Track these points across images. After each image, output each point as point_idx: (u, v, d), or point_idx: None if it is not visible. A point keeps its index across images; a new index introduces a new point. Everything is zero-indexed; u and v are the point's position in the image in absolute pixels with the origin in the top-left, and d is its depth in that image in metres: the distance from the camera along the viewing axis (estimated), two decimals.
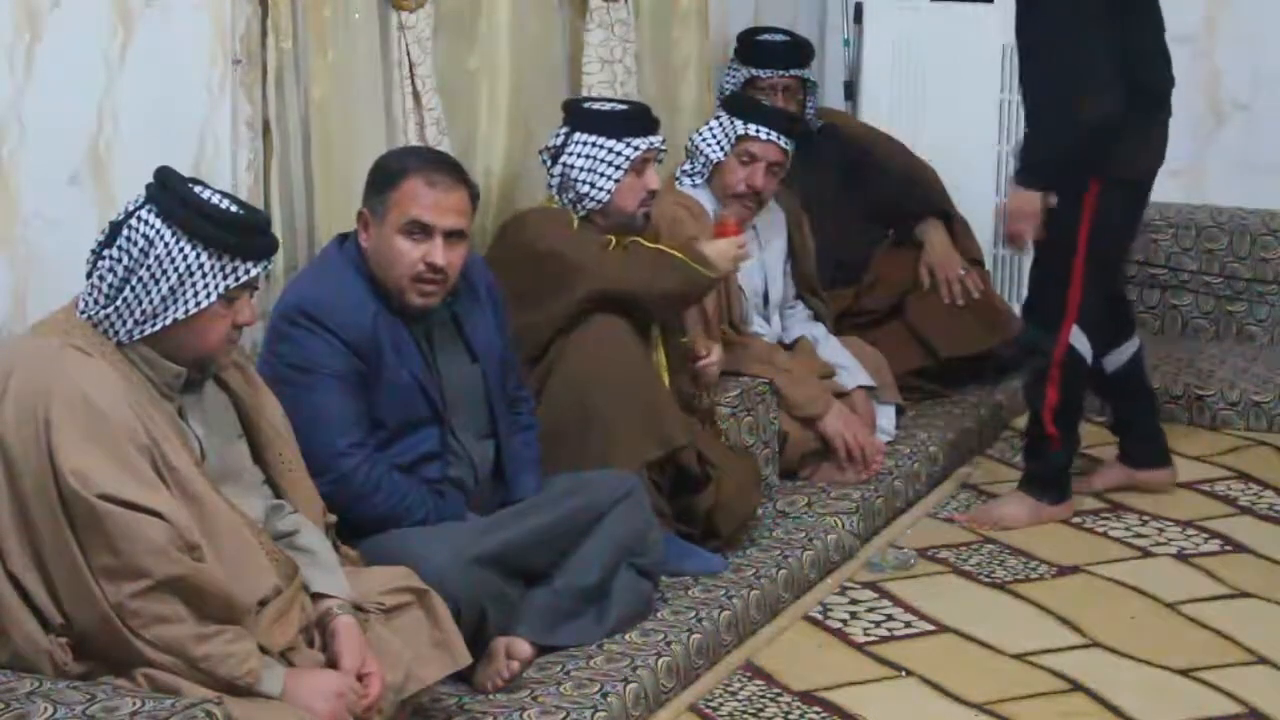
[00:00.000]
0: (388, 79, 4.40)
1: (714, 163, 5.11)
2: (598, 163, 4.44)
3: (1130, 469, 5.35)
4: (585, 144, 4.46)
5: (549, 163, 4.53)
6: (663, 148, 4.56)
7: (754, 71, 5.72)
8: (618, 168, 4.44)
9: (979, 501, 5.31)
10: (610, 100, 4.75)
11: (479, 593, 3.68)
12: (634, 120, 4.51)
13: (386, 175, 3.81)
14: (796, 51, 5.79)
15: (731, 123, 5.10)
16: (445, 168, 3.86)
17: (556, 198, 4.52)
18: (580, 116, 4.53)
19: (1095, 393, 5.42)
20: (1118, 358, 5.22)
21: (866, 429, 5.13)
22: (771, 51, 5.75)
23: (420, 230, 3.76)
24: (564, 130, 4.52)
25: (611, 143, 4.44)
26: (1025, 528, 5.07)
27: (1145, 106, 4.85)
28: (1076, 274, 4.95)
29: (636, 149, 4.45)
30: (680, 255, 4.45)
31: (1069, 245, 4.92)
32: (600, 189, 4.44)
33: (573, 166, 4.46)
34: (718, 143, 5.11)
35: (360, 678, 3.22)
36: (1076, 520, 5.17)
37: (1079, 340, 5.00)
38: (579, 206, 4.46)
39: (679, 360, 4.61)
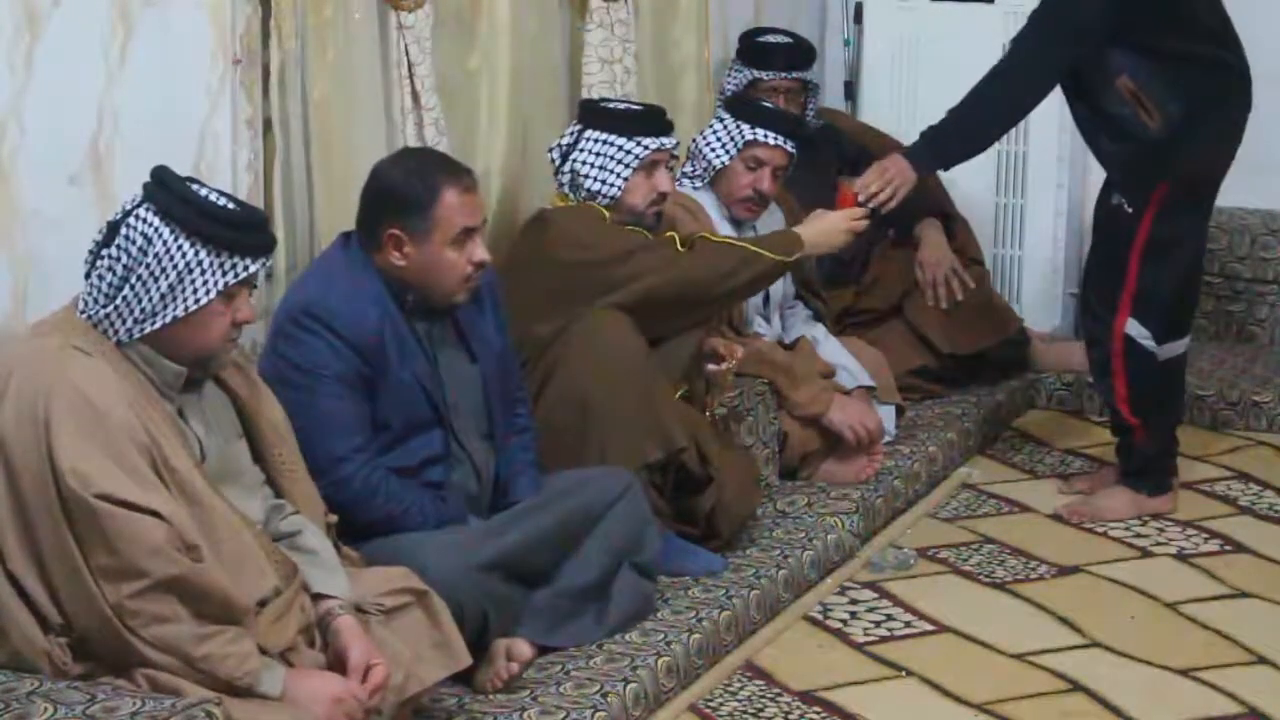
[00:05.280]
0: (387, 79, 4.40)
1: (718, 168, 5.11)
2: (608, 160, 4.47)
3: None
4: (596, 141, 4.49)
5: (558, 161, 4.54)
6: (675, 152, 4.60)
7: (756, 73, 5.72)
8: (626, 165, 4.46)
9: (979, 501, 5.32)
10: (626, 101, 4.77)
11: (482, 598, 3.68)
12: (646, 120, 4.54)
13: (417, 194, 3.77)
14: (799, 53, 5.80)
15: (738, 127, 5.09)
16: (460, 168, 3.88)
17: (570, 195, 4.53)
18: (592, 114, 4.56)
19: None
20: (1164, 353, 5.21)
21: (869, 413, 5.13)
22: (774, 53, 5.75)
23: (465, 235, 3.80)
24: (576, 128, 4.55)
25: (622, 140, 4.47)
26: (1128, 519, 5.13)
27: (1216, 108, 4.91)
28: (1133, 268, 4.99)
29: (646, 149, 4.48)
30: (751, 248, 4.51)
31: (1128, 239, 4.97)
32: (610, 185, 4.47)
33: (583, 164, 4.49)
34: (723, 146, 5.10)
35: (367, 668, 3.22)
36: (1076, 520, 5.17)
37: (1135, 329, 5.03)
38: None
39: (695, 362, 4.61)
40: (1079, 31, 4.84)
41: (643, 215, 4.51)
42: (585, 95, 5.04)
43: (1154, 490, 5.19)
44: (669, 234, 4.50)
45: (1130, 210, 4.96)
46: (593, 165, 4.49)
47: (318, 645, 3.28)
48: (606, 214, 4.47)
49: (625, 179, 4.48)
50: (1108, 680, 4.14)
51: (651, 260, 4.40)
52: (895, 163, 4.91)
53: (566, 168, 4.52)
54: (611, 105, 4.62)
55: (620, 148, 4.48)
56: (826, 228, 4.69)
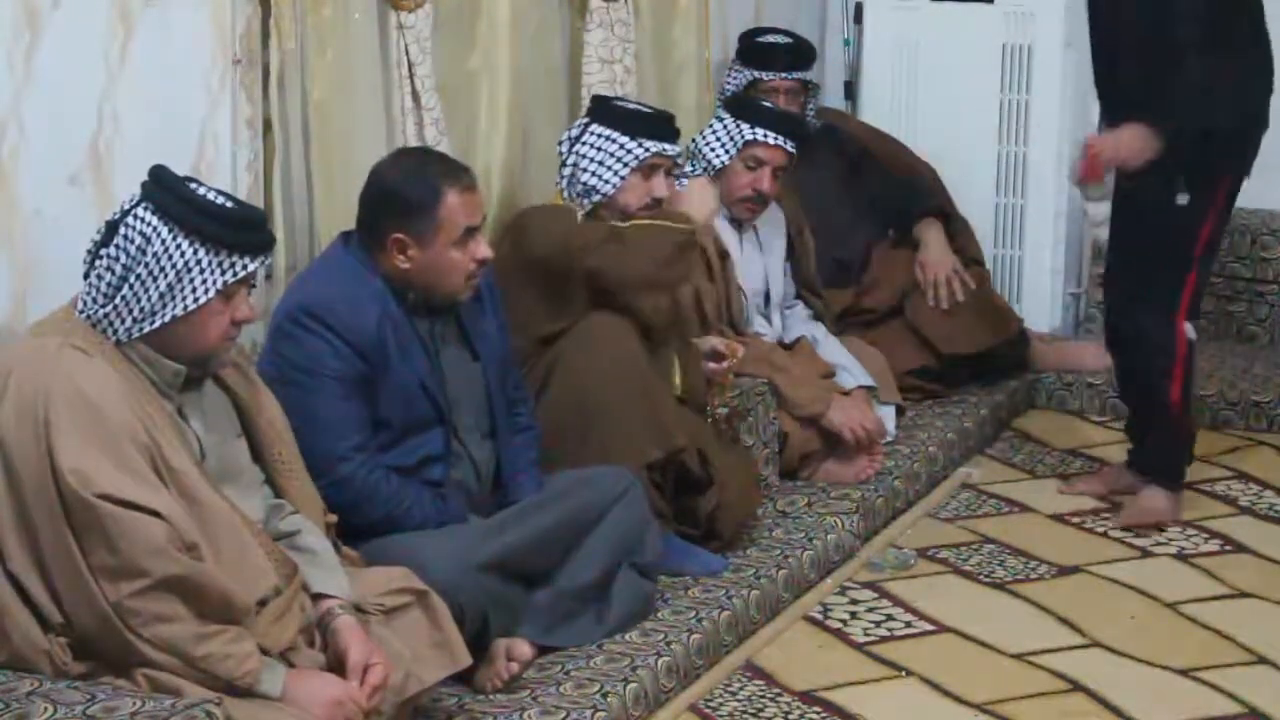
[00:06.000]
0: (387, 79, 4.40)
1: (718, 167, 5.11)
2: (607, 156, 4.48)
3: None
4: (599, 136, 4.51)
5: (565, 153, 4.55)
6: (678, 160, 4.60)
7: (757, 73, 5.72)
8: (625, 164, 4.47)
9: (979, 501, 5.31)
10: (639, 103, 4.77)
11: (482, 598, 3.68)
12: (652, 123, 4.55)
13: (419, 197, 3.78)
14: (799, 54, 5.80)
15: (738, 127, 5.09)
16: (459, 167, 3.90)
17: (565, 191, 4.53)
18: (601, 110, 4.58)
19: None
20: None
21: (869, 413, 5.12)
22: (775, 54, 5.75)
23: (468, 235, 3.81)
24: (584, 121, 4.57)
25: (624, 139, 4.48)
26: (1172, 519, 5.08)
27: (1266, 98, 4.92)
28: (1195, 268, 4.95)
29: (647, 150, 4.48)
30: (657, 221, 4.44)
31: (1190, 239, 4.92)
32: (606, 182, 4.47)
33: (584, 156, 4.51)
34: (723, 146, 5.10)
35: (365, 668, 3.22)
36: (1076, 520, 5.17)
37: (1190, 331, 5.00)
38: (585, 201, 4.49)
39: (695, 362, 4.61)
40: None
41: (634, 217, 4.50)
42: (585, 95, 5.04)
43: (1181, 486, 5.17)
44: (609, 225, 4.41)
45: (1193, 207, 4.87)
46: (592, 160, 4.50)
47: (318, 645, 3.28)
48: (578, 213, 4.45)
49: (622, 177, 4.48)
50: (1108, 680, 4.14)
51: (586, 237, 4.35)
52: (1131, 129, 4.83)
53: (570, 160, 4.53)
54: (621, 104, 4.64)
55: (622, 145, 4.49)
56: (694, 197, 4.63)
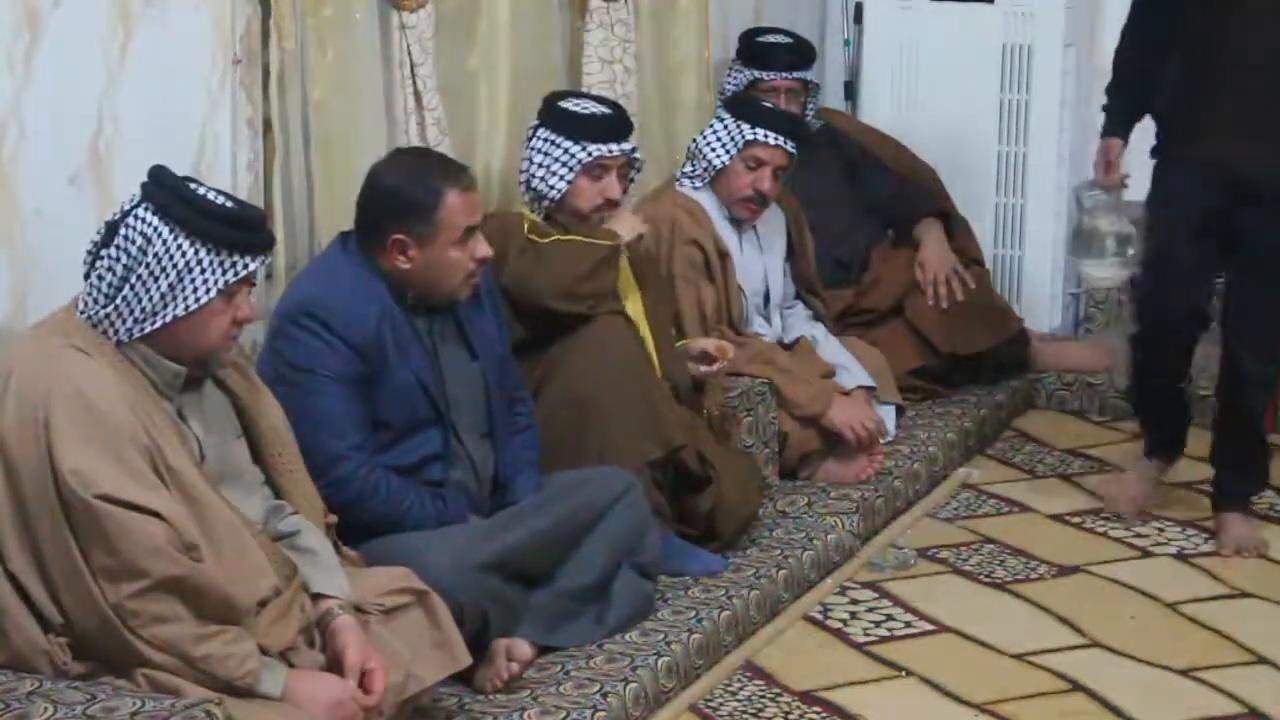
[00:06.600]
0: (388, 79, 4.41)
1: (718, 168, 5.11)
2: (553, 161, 4.44)
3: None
4: (545, 140, 4.46)
5: (522, 156, 4.53)
6: (633, 156, 4.51)
7: (757, 73, 5.72)
8: (569, 168, 4.43)
9: (979, 501, 5.31)
10: (593, 100, 4.70)
11: (482, 598, 3.69)
12: (598, 124, 4.46)
13: (419, 199, 3.78)
14: (800, 53, 5.79)
15: (738, 127, 5.08)
16: (458, 167, 3.90)
17: (524, 195, 4.51)
18: (549, 112, 4.52)
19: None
20: None
21: (869, 413, 5.12)
22: (775, 53, 5.75)
23: (467, 234, 3.81)
24: (534, 124, 4.53)
25: (567, 144, 4.43)
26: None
27: None
28: None
29: (590, 154, 4.42)
30: (574, 236, 4.39)
31: None
32: (553, 187, 4.44)
33: (532, 161, 4.48)
34: (723, 146, 5.10)
35: (364, 673, 3.22)
36: (1076, 520, 5.17)
37: None
38: (539, 205, 4.47)
39: (676, 359, 4.60)
40: None
41: (588, 219, 4.47)
42: (584, 93, 5.02)
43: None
44: (529, 238, 4.37)
45: None
46: (540, 165, 4.46)
47: (317, 645, 3.28)
48: (524, 220, 4.44)
49: (568, 181, 4.43)
50: (1108, 680, 4.14)
51: (503, 252, 4.28)
52: None
53: (523, 164, 4.52)
54: (568, 105, 4.53)
55: (566, 150, 4.43)
56: (623, 218, 4.51)
